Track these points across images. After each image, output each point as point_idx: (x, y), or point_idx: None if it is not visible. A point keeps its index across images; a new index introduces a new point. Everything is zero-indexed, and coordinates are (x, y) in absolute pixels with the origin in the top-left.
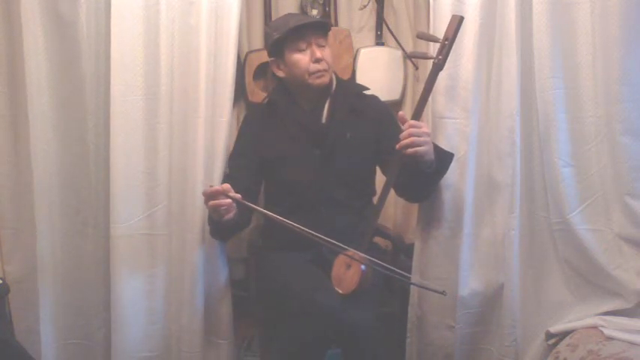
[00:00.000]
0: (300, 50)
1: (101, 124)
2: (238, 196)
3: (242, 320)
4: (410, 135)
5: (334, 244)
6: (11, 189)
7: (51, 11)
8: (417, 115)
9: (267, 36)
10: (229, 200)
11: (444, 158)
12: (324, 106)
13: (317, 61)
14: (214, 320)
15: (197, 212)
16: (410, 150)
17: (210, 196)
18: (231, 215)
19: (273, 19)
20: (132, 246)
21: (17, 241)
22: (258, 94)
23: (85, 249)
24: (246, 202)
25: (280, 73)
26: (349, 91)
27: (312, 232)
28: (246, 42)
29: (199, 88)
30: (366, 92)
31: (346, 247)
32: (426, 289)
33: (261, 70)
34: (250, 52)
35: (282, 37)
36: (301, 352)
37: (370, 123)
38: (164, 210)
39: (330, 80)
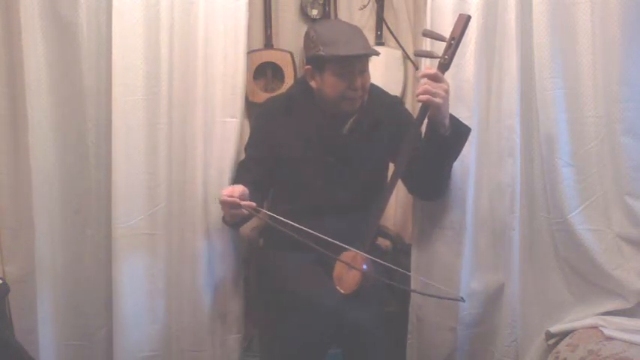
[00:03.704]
0: (341, 75)
1: (101, 124)
2: (252, 204)
3: (242, 320)
4: (425, 84)
5: (338, 244)
6: (11, 189)
7: (50, 11)
8: (422, 116)
9: (310, 43)
10: (244, 211)
11: (459, 128)
12: (349, 119)
13: (355, 89)
14: (224, 316)
15: (197, 212)
16: (422, 97)
17: (226, 205)
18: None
19: (274, 19)
20: (133, 246)
21: (17, 241)
22: (258, 94)
23: (85, 249)
24: (259, 211)
25: (313, 84)
26: (377, 104)
27: (319, 235)
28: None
29: (198, 88)
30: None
31: (348, 247)
32: (440, 297)
33: (261, 70)
34: (250, 52)
35: (328, 58)
36: (302, 352)
37: (388, 130)
38: (165, 210)
39: (362, 102)
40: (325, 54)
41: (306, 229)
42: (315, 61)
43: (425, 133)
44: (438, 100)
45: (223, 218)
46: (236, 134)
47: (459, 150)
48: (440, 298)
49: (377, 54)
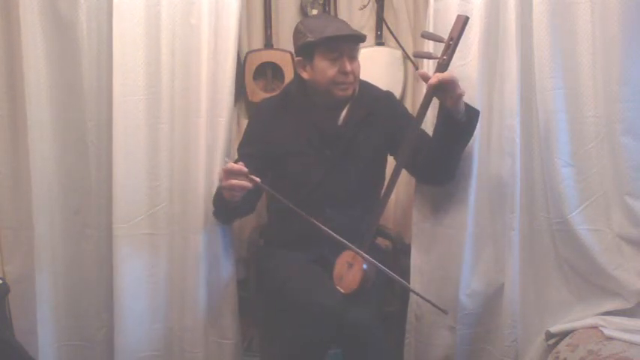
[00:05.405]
0: (331, 59)
1: (102, 124)
2: (257, 179)
3: (242, 320)
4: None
5: (340, 240)
6: (11, 189)
7: (50, 11)
8: (421, 115)
9: (298, 34)
10: (248, 184)
11: (471, 111)
12: (342, 110)
13: (345, 73)
14: (218, 320)
15: (199, 212)
16: (446, 77)
17: (230, 173)
18: (240, 196)
19: (274, 19)
20: (133, 246)
21: (17, 241)
22: (258, 94)
23: (85, 249)
24: (265, 186)
25: (305, 75)
26: (369, 96)
27: (321, 226)
28: (246, 42)
29: (200, 88)
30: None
31: (349, 244)
32: (431, 303)
33: (261, 70)
34: (250, 52)
35: (316, 42)
36: (302, 352)
37: (383, 123)
38: (165, 210)
39: (354, 90)
40: (313, 38)
41: (313, 220)
42: (305, 49)
43: (440, 123)
44: (459, 89)
45: (215, 212)
46: (223, 134)
47: (472, 132)
48: (434, 306)
49: (363, 37)
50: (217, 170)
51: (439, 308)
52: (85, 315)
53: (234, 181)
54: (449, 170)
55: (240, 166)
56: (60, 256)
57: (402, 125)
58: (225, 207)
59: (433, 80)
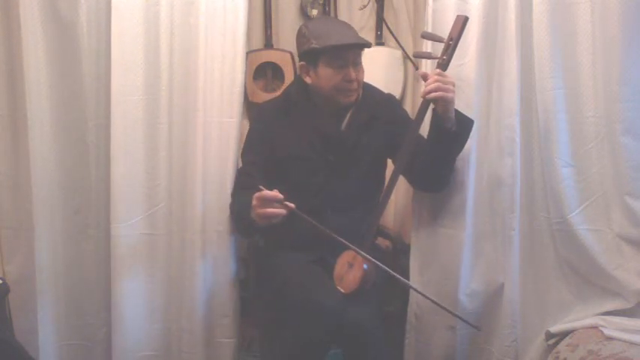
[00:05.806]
0: (336, 67)
1: (101, 124)
2: (292, 205)
3: (242, 320)
4: (436, 81)
5: (351, 247)
6: (11, 189)
7: (50, 11)
8: (421, 114)
9: (302, 38)
10: (283, 211)
11: (464, 121)
12: (345, 114)
13: (350, 81)
14: (218, 320)
15: (196, 212)
16: (433, 94)
17: (265, 201)
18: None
19: (274, 19)
20: (132, 246)
21: (17, 241)
22: (258, 94)
23: (85, 249)
24: (300, 213)
25: (308, 79)
26: (372, 100)
27: (339, 238)
28: (246, 42)
29: (198, 88)
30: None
31: (357, 249)
32: (461, 319)
33: (261, 70)
34: (250, 52)
35: (321, 50)
36: (302, 352)
37: (385, 126)
38: (164, 210)
39: (357, 96)
40: (318, 46)
41: (336, 236)
42: (309, 55)
43: (431, 130)
44: (450, 94)
45: (240, 230)
46: (235, 134)
47: (464, 142)
48: (451, 312)
49: (369, 44)
50: (231, 173)
51: (464, 320)
52: (86, 314)
53: (270, 210)
54: (441, 178)
55: (275, 193)
56: (60, 256)
57: (401, 129)
58: (253, 228)
59: (435, 95)
